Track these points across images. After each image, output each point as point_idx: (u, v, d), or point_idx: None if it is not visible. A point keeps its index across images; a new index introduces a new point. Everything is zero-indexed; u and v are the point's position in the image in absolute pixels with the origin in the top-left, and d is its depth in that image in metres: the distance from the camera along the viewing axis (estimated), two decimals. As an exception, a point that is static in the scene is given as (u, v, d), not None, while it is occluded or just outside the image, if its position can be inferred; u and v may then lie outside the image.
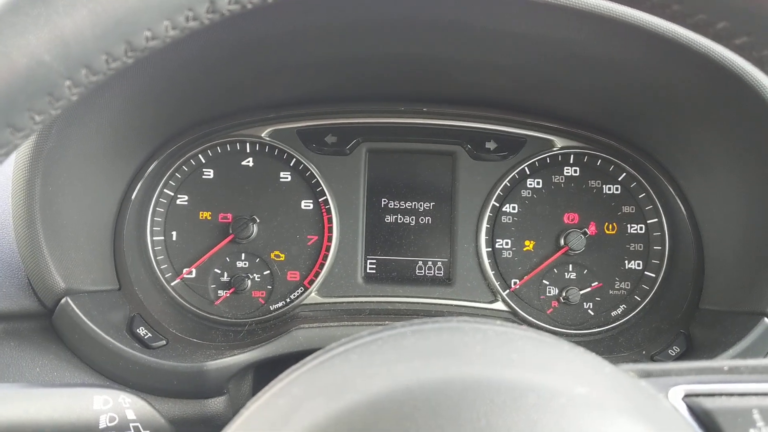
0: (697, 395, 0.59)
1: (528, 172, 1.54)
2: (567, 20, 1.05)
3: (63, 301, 1.16)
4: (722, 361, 0.63)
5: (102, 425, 0.96)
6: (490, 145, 1.55)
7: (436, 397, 0.50)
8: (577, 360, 0.59)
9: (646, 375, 0.62)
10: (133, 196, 1.44)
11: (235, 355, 1.24)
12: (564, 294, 1.50)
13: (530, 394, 0.50)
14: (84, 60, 0.50)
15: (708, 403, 0.57)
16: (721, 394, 0.59)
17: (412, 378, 0.53)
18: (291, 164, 1.54)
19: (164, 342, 1.30)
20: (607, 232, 1.52)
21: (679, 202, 1.47)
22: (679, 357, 1.32)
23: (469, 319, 0.64)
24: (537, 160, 1.54)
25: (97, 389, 1.02)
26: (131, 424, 0.97)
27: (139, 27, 0.50)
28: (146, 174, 1.47)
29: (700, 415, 0.57)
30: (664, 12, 0.57)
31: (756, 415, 0.56)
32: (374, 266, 1.55)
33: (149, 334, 1.29)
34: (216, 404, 1.23)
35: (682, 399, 0.59)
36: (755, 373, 0.61)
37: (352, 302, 1.51)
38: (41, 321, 1.18)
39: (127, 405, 0.97)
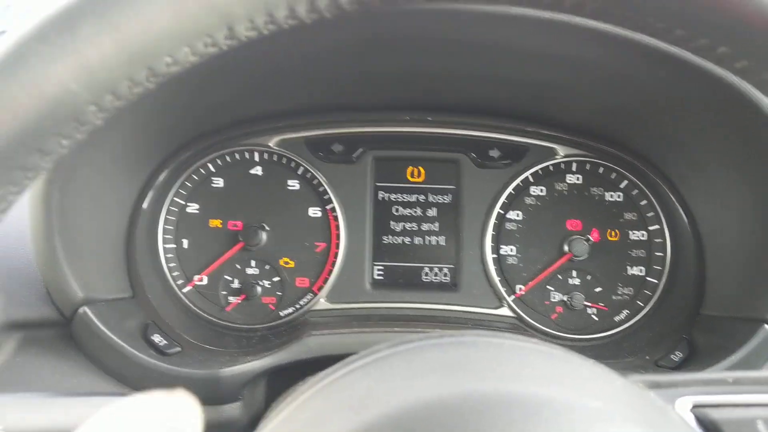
0: (704, 406, 0.61)
1: (531, 180, 1.57)
2: (573, 39, 1.07)
3: (81, 310, 1.18)
4: (727, 373, 0.65)
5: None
6: (494, 153, 1.57)
7: (456, 411, 0.52)
8: (588, 373, 0.61)
9: (655, 386, 0.64)
10: (144, 206, 1.46)
11: (249, 361, 1.25)
12: (568, 299, 1.52)
13: (544, 410, 0.52)
14: (109, 86, 0.51)
15: (714, 414, 0.60)
16: (726, 405, 0.61)
17: (433, 393, 0.55)
18: (299, 172, 1.56)
19: (179, 348, 1.31)
20: (609, 238, 1.54)
21: (680, 210, 1.49)
22: (682, 362, 1.34)
23: (486, 333, 0.66)
24: (540, 168, 1.56)
25: (114, 398, 1.05)
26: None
27: (160, 54, 0.52)
28: (156, 183, 1.48)
29: (707, 425, 0.60)
30: (667, 37, 0.60)
31: (760, 425, 0.58)
32: (381, 272, 1.57)
33: (164, 341, 1.30)
34: (231, 410, 1.24)
35: (691, 410, 0.61)
36: (758, 384, 0.64)
37: (361, 308, 1.54)
38: (60, 329, 1.20)
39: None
